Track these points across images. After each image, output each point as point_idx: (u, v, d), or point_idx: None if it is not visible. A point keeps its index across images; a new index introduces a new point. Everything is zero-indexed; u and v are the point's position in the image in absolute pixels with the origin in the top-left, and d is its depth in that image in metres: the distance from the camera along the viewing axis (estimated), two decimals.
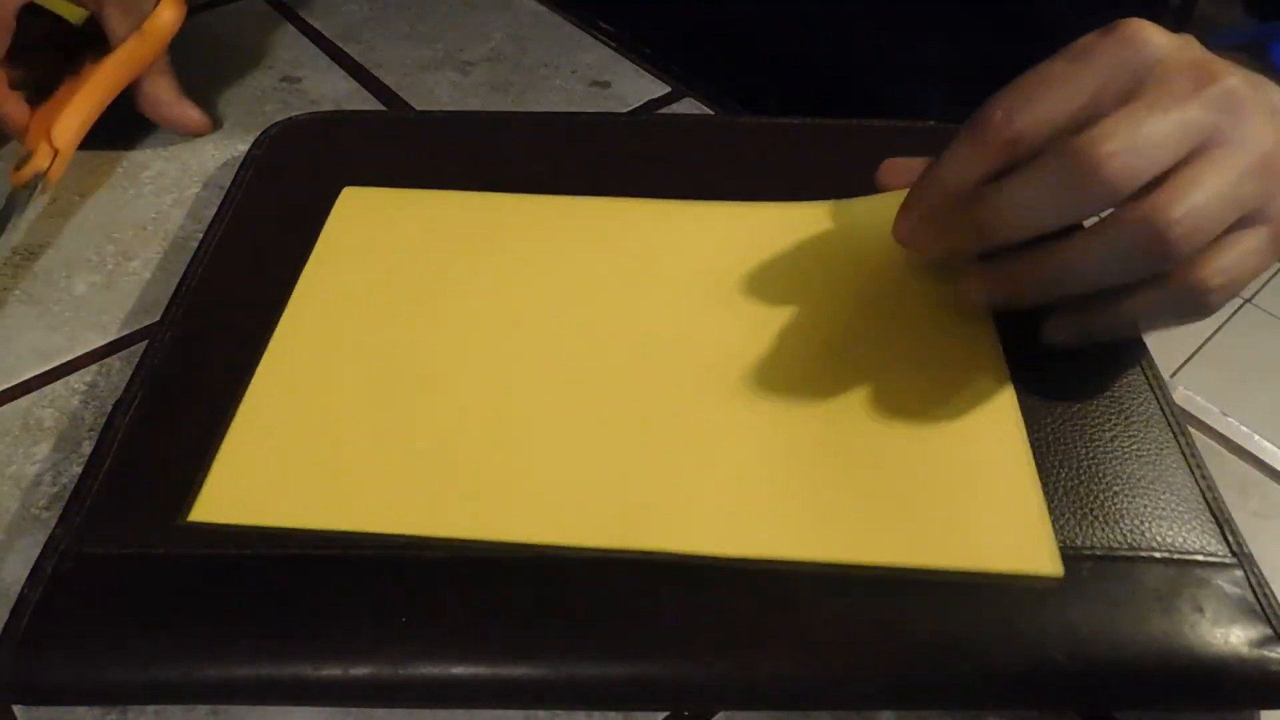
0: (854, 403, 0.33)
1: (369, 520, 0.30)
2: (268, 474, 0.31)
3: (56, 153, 0.44)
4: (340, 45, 0.55)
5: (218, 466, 0.31)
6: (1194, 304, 0.32)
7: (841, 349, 0.35)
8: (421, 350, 0.35)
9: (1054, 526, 0.30)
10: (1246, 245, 0.32)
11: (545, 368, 0.34)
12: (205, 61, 0.54)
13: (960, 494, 0.31)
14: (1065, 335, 0.35)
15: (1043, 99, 0.32)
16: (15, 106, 0.45)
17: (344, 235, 0.39)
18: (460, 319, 0.36)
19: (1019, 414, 0.33)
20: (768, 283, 0.37)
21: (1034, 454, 0.32)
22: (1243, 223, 0.32)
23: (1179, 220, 0.30)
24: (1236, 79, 0.31)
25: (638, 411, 0.33)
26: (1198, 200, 0.30)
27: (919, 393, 0.34)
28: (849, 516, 0.30)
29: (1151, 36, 0.32)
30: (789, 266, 0.38)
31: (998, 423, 0.33)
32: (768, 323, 0.36)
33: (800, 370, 0.34)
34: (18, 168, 0.43)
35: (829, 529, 0.30)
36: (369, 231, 0.40)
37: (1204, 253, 0.31)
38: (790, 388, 0.34)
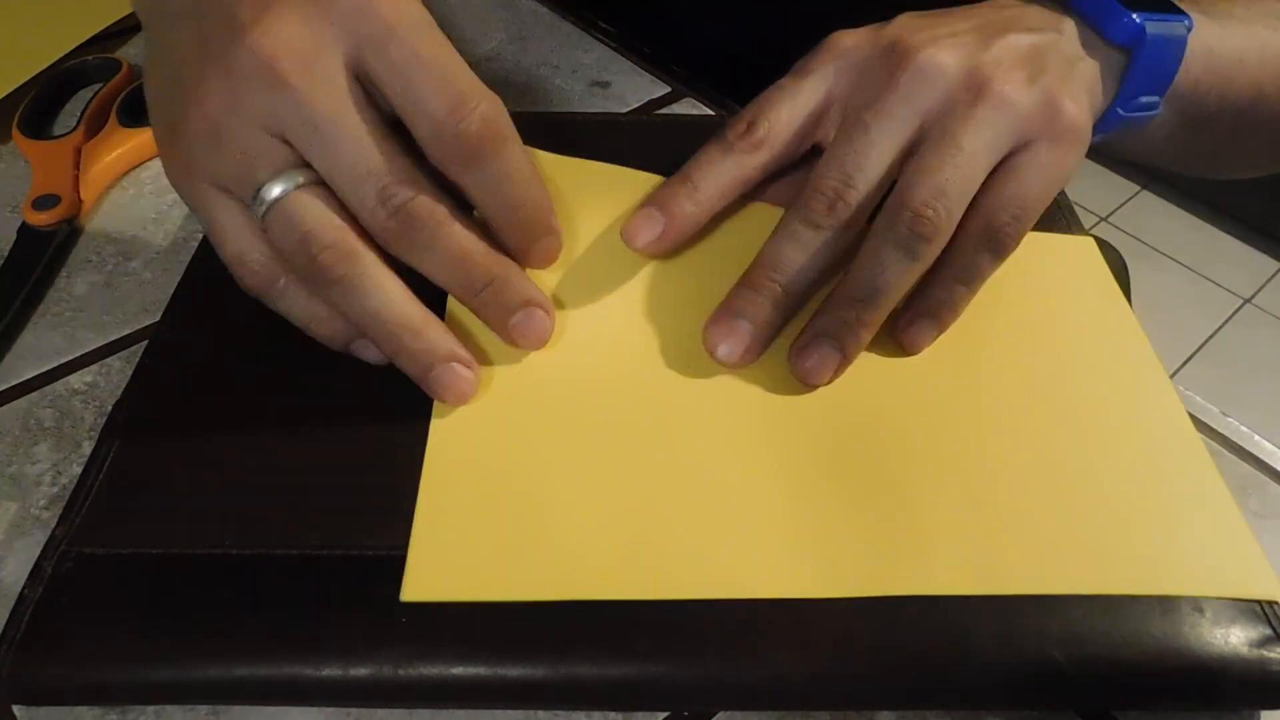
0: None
1: (576, 588, 0.28)
2: (468, 546, 0.29)
3: (82, 204, 0.44)
4: None
5: (415, 545, 0.29)
6: (996, 246, 0.34)
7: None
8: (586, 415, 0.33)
9: None
10: (1026, 171, 0.34)
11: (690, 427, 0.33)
12: None
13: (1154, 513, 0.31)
14: (920, 329, 0.34)
15: (780, 107, 0.36)
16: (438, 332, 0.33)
17: None
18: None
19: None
20: None
21: None
22: (1010, 152, 0.34)
23: (927, 202, 0.32)
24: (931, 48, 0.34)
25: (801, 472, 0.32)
26: (937, 181, 0.32)
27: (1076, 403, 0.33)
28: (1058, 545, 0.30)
29: (845, 42, 0.36)
30: None
31: (1176, 436, 0.33)
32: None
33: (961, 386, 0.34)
34: (35, 205, 0.43)
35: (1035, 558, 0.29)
36: None
37: (982, 196, 0.33)
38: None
